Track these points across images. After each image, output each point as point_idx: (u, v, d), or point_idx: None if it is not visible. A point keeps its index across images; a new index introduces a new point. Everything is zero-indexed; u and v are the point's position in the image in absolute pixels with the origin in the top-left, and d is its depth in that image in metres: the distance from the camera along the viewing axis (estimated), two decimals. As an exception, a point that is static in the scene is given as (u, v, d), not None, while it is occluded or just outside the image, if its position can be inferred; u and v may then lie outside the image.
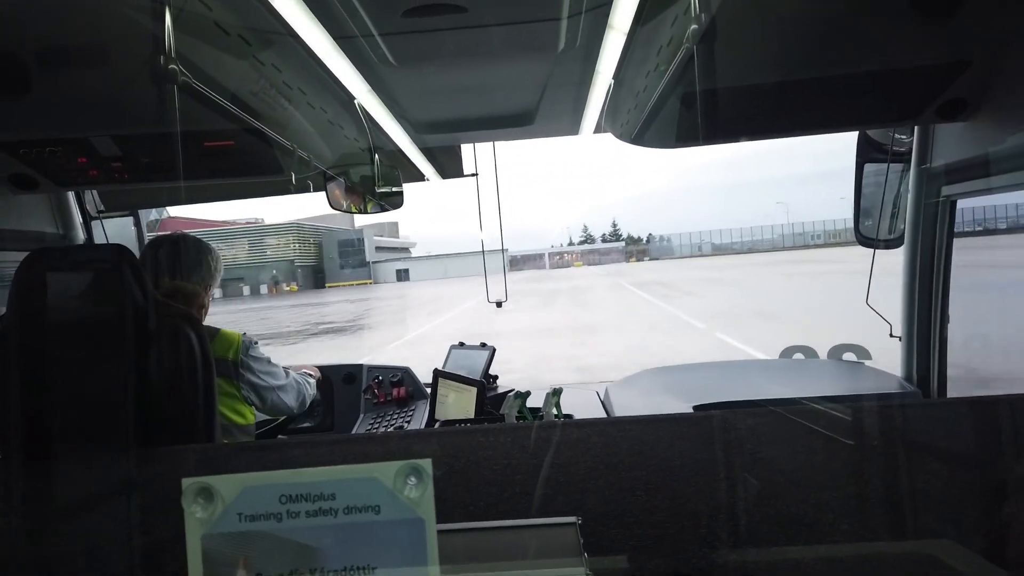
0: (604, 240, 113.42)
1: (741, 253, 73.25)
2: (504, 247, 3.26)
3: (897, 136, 2.31)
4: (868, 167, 2.47)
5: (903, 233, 2.34)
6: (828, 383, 2.58)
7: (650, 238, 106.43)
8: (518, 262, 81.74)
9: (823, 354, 2.80)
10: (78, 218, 2.48)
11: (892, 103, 1.86)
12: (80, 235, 2.48)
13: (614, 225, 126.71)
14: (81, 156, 1.97)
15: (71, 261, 1.63)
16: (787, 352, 2.87)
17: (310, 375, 2.65)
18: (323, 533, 0.56)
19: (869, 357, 2.66)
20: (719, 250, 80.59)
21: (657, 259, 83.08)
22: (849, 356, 2.70)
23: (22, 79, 1.53)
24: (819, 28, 1.53)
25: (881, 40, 1.58)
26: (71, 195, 2.44)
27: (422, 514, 0.56)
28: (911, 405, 1.64)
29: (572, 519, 0.80)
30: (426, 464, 0.57)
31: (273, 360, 2.30)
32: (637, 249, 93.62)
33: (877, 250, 2.46)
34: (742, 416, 1.21)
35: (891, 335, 2.42)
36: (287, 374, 2.34)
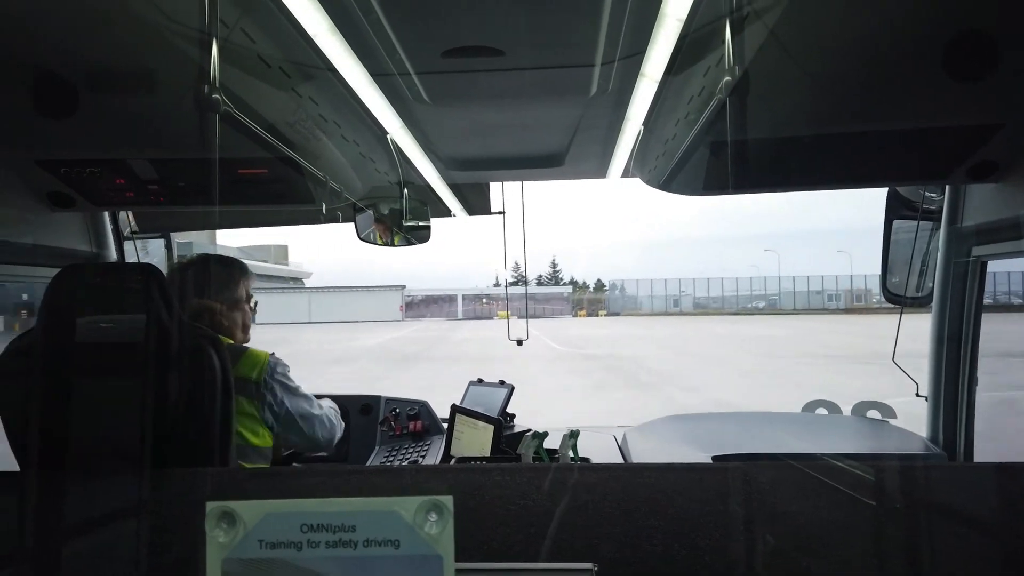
0: (540, 283, 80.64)
1: (739, 314, 54.25)
2: (527, 290, 3.24)
3: (927, 194, 2.30)
4: (897, 224, 2.46)
5: (931, 292, 2.32)
6: (850, 440, 2.54)
7: (600, 285, 76.01)
8: (416, 306, 58.40)
9: (847, 410, 2.75)
10: (111, 238, 2.53)
11: (923, 161, 1.86)
12: (113, 254, 2.53)
13: (554, 265, 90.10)
14: (119, 177, 2.02)
15: (100, 278, 1.67)
16: (810, 406, 2.83)
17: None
18: (342, 565, 0.56)
19: (894, 416, 2.61)
20: (703, 307, 61.09)
21: (617, 314, 59.06)
22: (874, 414, 2.65)
23: (68, 100, 1.58)
24: (852, 84, 1.54)
25: (914, 99, 1.59)
26: (106, 215, 2.50)
27: (441, 551, 0.56)
28: (936, 467, 1.60)
29: (588, 566, 0.78)
30: (447, 501, 0.57)
31: (303, 389, 2.21)
32: (588, 299, 68.50)
33: (905, 308, 2.43)
34: (761, 469, 1.19)
35: (917, 395, 2.38)
36: (320, 406, 2.24)
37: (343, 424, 2.36)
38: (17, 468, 1.48)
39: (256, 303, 2.31)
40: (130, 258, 2.62)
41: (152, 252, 2.81)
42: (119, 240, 2.57)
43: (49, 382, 1.46)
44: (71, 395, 1.44)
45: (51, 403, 1.44)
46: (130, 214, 2.62)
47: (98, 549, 1.13)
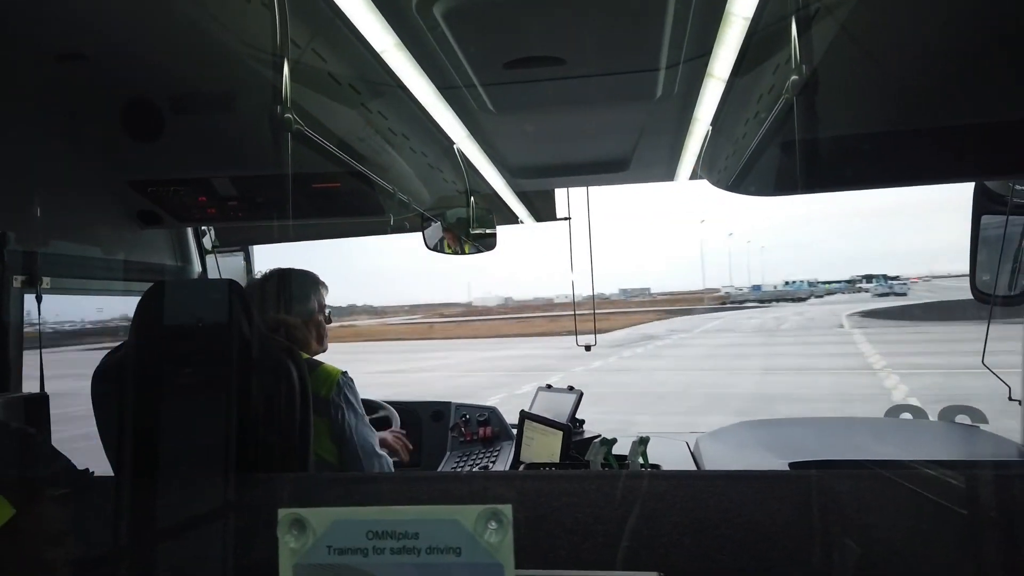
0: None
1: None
2: (594, 291, 3.23)
3: (1017, 187, 2.18)
4: (985, 219, 2.33)
5: None
6: (938, 447, 2.41)
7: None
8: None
9: (933, 415, 2.62)
10: (195, 252, 2.66)
11: (1014, 154, 1.76)
12: (196, 267, 2.65)
13: None
14: (201, 195, 2.12)
15: (187, 294, 1.75)
16: (893, 411, 2.70)
17: (398, 437, 2.55)
18: (407, 571, 0.58)
19: (985, 421, 2.47)
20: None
21: None
22: (963, 419, 2.52)
23: (156, 123, 1.68)
24: (933, 77, 1.48)
25: (1003, 90, 1.51)
26: (189, 230, 2.63)
27: (501, 559, 0.57)
28: None
29: (653, 574, 0.78)
30: (506, 510, 0.57)
31: (367, 418, 2.19)
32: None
33: (995, 307, 2.30)
34: (842, 477, 1.15)
35: (1010, 398, 2.25)
36: (379, 452, 2.21)
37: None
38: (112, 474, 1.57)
39: (330, 313, 2.36)
40: (211, 271, 2.74)
41: (229, 266, 2.93)
42: (202, 254, 2.70)
43: (140, 392, 1.54)
44: (160, 405, 1.52)
45: (141, 412, 1.52)
46: (211, 229, 2.75)
47: (184, 552, 1.19)
